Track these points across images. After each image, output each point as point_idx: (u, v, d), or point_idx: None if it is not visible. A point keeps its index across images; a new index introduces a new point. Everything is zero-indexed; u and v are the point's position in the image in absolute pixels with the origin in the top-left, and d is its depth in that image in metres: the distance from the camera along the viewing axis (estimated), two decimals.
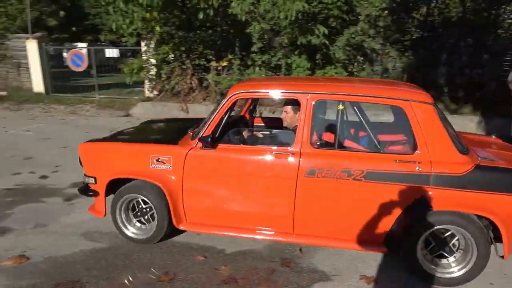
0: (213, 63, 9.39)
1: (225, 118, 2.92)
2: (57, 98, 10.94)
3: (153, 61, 9.94)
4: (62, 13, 14.51)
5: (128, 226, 3.22)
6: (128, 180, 3.12)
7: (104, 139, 3.40)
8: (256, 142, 3.14)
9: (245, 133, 3.35)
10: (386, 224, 2.64)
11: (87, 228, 3.56)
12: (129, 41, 9.51)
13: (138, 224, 3.25)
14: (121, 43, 11.90)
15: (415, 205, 2.55)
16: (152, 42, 9.96)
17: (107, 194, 3.23)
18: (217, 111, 2.93)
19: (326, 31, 7.69)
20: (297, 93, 2.79)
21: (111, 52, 11.57)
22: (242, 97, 2.89)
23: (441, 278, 2.65)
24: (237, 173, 2.84)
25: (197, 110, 8.82)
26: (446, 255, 2.70)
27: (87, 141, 3.38)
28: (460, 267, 2.64)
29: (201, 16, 8.21)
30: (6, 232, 3.49)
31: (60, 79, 11.69)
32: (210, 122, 2.92)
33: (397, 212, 2.61)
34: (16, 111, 9.91)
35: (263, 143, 3.00)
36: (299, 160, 2.71)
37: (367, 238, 2.70)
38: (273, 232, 2.88)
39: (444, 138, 2.56)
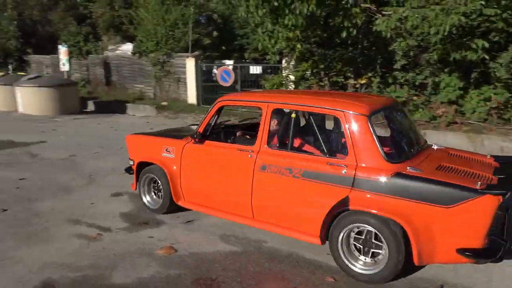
0: (351, 81, 9.23)
1: (213, 121, 3.70)
2: (206, 109, 11.86)
3: (292, 77, 10.14)
4: (215, 33, 16.24)
5: (146, 196, 4.23)
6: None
7: (143, 133, 4.48)
8: (241, 141, 3.75)
9: (238, 134, 4.09)
10: (319, 218, 2.99)
11: (225, 231, 3.75)
12: (272, 59, 10.02)
13: (154, 197, 4.23)
14: (264, 61, 12.67)
15: (339, 204, 2.89)
16: (292, 59, 10.33)
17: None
18: (206, 115, 3.76)
19: (487, 45, 6.82)
20: (260, 102, 3.41)
21: (255, 69, 12.40)
22: (223, 104, 3.64)
23: (358, 273, 2.92)
24: (213, 164, 3.57)
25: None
26: (379, 251, 2.92)
27: (132, 134, 4.53)
28: (373, 266, 2.88)
29: (343, 34, 8.17)
30: (161, 224, 3.84)
31: (209, 92, 12.79)
32: (201, 123, 3.73)
33: (326, 208, 2.94)
34: (173, 119, 10.81)
35: (242, 143, 3.60)
36: (256, 157, 3.30)
37: (305, 229, 3.09)
38: (240, 216, 3.44)
39: (371, 146, 2.85)
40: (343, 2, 8.03)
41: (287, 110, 3.37)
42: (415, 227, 2.65)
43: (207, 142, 3.70)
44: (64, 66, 13.63)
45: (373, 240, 2.88)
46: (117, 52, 15.86)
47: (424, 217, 2.63)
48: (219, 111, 3.71)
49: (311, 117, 3.34)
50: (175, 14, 13.50)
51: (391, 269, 2.76)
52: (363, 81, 9.04)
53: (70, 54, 14.89)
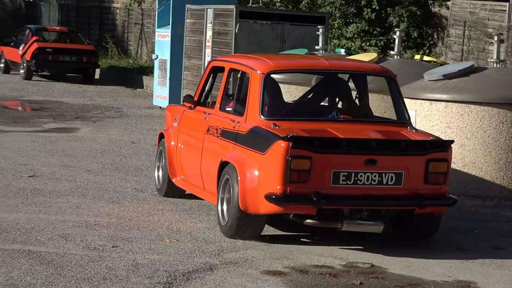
0: None
1: (207, 84, 4.42)
2: None
3: None
4: None
5: (159, 171, 4.78)
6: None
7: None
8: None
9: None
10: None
11: None
12: None
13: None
14: None
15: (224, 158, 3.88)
16: None
17: None
18: (200, 79, 4.75)
19: None
20: (223, 61, 4.50)
21: None
22: (213, 64, 4.52)
23: (220, 223, 3.86)
24: (195, 125, 4.40)
25: None
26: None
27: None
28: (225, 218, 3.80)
29: None
30: None
31: None
32: (196, 90, 4.55)
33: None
34: None
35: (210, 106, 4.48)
36: (208, 119, 4.19)
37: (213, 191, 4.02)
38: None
39: (256, 103, 3.76)
40: None
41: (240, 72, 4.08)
42: (243, 174, 3.52)
43: (198, 108, 4.39)
44: None
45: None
46: None
47: (250, 163, 3.54)
48: (211, 72, 4.43)
49: (240, 75, 4.07)
50: None
51: (232, 221, 3.61)
52: None
53: None
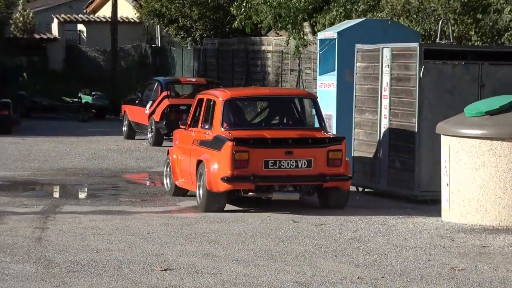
0: None
1: (197, 112, 7.08)
2: None
3: None
4: None
5: (167, 179, 7.44)
6: None
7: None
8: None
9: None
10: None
11: None
12: None
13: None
14: None
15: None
16: None
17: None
18: (191, 109, 7.51)
19: None
20: (202, 95, 7.45)
21: None
22: (198, 97, 7.36)
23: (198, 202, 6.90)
24: (186, 141, 7.27)
25: None
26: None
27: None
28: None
29: None
30: None
31: None
32: (189, 115, 7.50)
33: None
34: None
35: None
36: (193, 135, 7.14)
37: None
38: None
39: (217, 119, 6.62)
40: None
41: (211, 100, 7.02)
42: (208, 165, 6.26)
43: (190, 128, 7.23)
44: None
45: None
46: None
47: (212, 158, 6.28)
48: (198, 103, 7.18)
49: (212, 102, 6.89)
50: None
51: (204, 199, 6.47)
52: None
53: None
